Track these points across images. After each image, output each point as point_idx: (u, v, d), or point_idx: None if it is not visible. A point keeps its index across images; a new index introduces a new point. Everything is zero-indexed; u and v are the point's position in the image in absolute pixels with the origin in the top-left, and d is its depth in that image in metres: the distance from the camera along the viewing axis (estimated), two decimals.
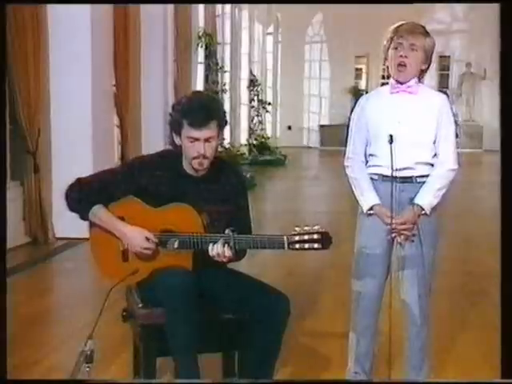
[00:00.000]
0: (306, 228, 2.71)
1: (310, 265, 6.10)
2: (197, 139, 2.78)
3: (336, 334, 3.33)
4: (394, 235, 2.91)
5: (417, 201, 2.89)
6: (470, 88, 19.91)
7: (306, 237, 2.70)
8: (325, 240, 2.70)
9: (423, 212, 2.90)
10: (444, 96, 3.07)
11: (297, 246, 2.71)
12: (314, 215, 8.17)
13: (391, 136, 2.77)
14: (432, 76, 20.88)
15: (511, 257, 2.51)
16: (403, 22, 2.93)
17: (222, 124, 2.85)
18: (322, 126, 20.66)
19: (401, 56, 2.87)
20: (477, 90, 19.93)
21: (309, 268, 5.95)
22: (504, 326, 2.52)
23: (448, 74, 20.83)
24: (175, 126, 2.84)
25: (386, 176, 2.91)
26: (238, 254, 2.82)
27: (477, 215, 8.97)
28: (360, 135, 3.01)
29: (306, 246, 2.70)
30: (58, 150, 6.74)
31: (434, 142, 2.94)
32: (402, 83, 2.93)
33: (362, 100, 3.07)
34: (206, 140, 2.78)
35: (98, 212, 2.88)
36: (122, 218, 2.88)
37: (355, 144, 3.03)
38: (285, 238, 2.71)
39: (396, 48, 2.88)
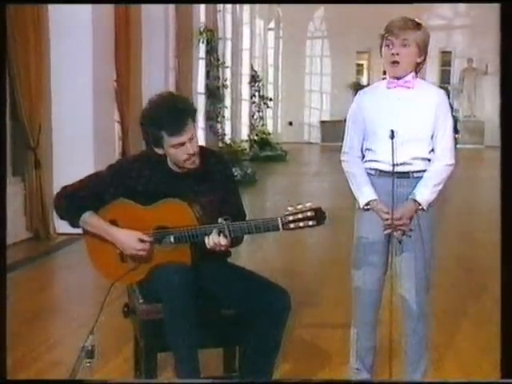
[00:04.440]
0: (298, 207, 2.69)
1: (310, 261, 6.11)
2: (182, 144, 2.76)
3: (338, 328, 3.33)
4: (390, 230, 2.91)
5: (414, 196, 2.89)
6: (471, 83, 19.90)
7: (299, 215, 2.67)
8: (319, 216, 2.67)
9: (420, 207, 2.91)
10: (442, 91, 3.06)
11: (291, 225, 2.68)
12: None
13: (392, 131, 2.78)
14: (433, 72, 20.89)
15: (511, 253, 2.51)
16: (394, 19, 2.92)
17: (195, 118, 2.84)
18: (323, 122, 20.66)
19: (392, 54, 2.87)
20: (478, 86, 19.92)
21: (310, 264, 5.96)
22: (504, 323, 2.52)
23: (449, 70, 20.81)
24: (154, 141, 2.80)
25: (383, 171, 2.93)
26: (235, 241, 2.82)
27: (478, 211, 8.97)
28: (357, 130, 3.01)
29: (301, 224, 2.67)
30: (59, 145, 6.74)
31: (432, 137, 2.94)
32: (398, 78, 2.93)
33: (359, 95, 3.07)
34: (190, 139, 2.77)
35: (88, 219, 2.87)
36: (114, 221, 2.86)
37: (352, 139, 3.03)
38: (279, 219, 2.69)
39: (388, 46, 2.89)
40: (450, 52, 20.57)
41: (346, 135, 3.06)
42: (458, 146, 19.84)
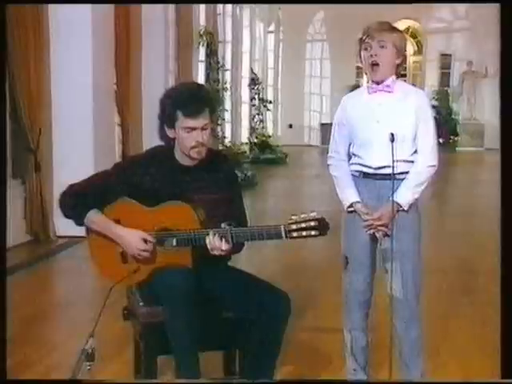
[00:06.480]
0: (302, 216, 2.71)
1: (310, 263, 6.10)
2: (194, 128, 2.79)
3: (338, 331, 3.32)
4: (371, 231, 2.95)
5: (394, 197, 2.91)
6: (471, 86, 19.88)
7: (303, 224, 2.69)
8: (322, 226, 2.70)
9: (401, 208, 2.93)
10: (422, 92, 3.12)
11: (294, 234, 2.70)
12: None
13: (392, 134, 2.80)
14: (433, 74, 20.91)
15: (511, 255, 2.51)
16: (370, 23, 2.97)
17: (213, 110, 2.89)
18: (323, 125, 20.62)
19: (371, 55, 2.92)
20: (478, 89, 19.91)
21: (310, 266, 5.96)
22: (504, 324, 2.53)
23: (449, 73, 20.82)
24: (168, 119, 2.84)
25: (366, 173, 2.99)
26: (236, 247, 2.83)
27: (478, 214, 8.97)
28: (341, 134, 3.06)
29: (304, 233, 2.70)
30: (60, 148, 6.74)
31: (414, 140, 2.97)
32: (379, 83, 2.96)
33: (344, 100, 3.12)
34: (203, 128, 2.80)
35: (94, 217, 2.87)
36: (117, 221, 2.87)
37: (337, 143, 3.09)
38: (282, 227, 2.71)
39: (366, 49, 2.93)
40: (450, 55, 20.56)
41: (332, 139, 3.12)
42: (457, 148, 19.85)
